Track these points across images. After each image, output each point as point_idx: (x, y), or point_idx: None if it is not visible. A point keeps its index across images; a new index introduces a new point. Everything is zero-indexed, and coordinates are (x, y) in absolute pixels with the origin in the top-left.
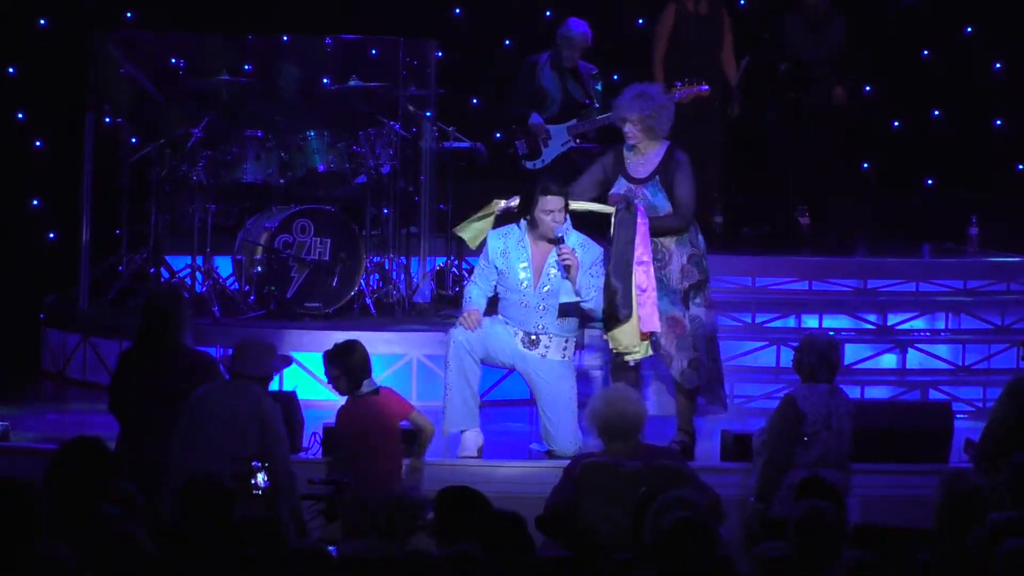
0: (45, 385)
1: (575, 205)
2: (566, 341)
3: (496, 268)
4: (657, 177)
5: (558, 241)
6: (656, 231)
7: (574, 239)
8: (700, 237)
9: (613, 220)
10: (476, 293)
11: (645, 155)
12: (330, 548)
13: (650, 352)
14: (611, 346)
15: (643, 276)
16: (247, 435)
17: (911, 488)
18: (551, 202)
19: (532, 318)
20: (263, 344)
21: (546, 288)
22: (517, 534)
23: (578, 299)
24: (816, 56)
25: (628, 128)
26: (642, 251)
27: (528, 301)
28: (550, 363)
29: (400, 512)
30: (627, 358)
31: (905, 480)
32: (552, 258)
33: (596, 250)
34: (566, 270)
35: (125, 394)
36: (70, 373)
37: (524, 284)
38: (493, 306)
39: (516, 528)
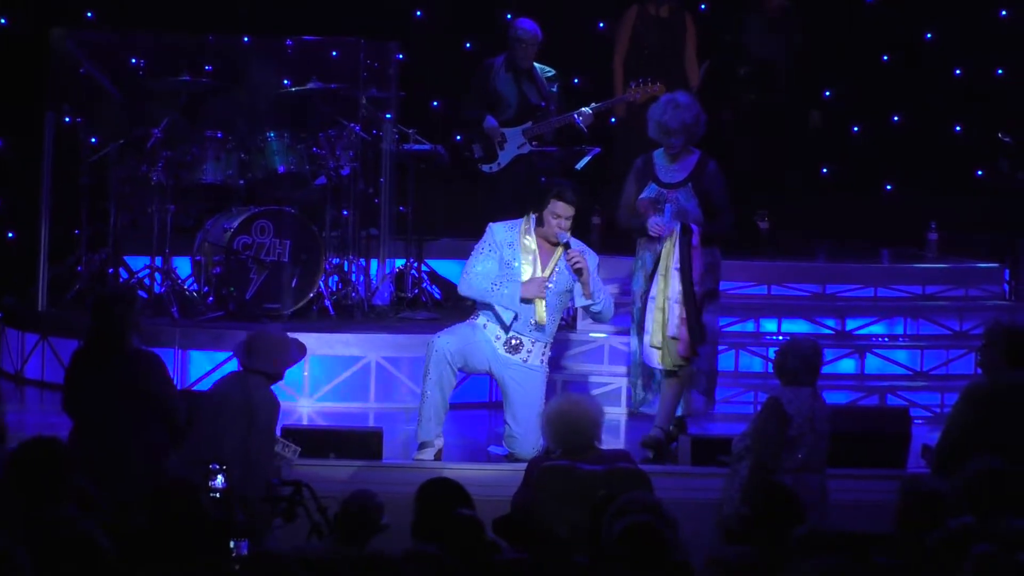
0: (3, 385)
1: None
2: (545, 346)
3: (502, 257)
4: (690, 184)
5: (566, 245)
6: (709, 239)
7: (574, 247)
8: (716, 247)
9: (671, 246)
10: (478, 279)
11: (680, 162)
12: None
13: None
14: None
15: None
16: (236, 426)
17: (869, 493)
18: (562, 208)
19: (527, 313)
20: (274, 338)
21: (548, 285)
22: (476, 537)
23: (589, 303)
24: (774, 56)
25: (674, 140)
26: (694, 275)
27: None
28: (529, 368)
29: (361, 515)
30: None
31: (863, 485)
32: (556, 256)
33: (595, 257)
34: (577, 274)
35: (77, 393)
36: (28, 373)
37: (527, 277)
38: (468, 311)
39: (475, 531)
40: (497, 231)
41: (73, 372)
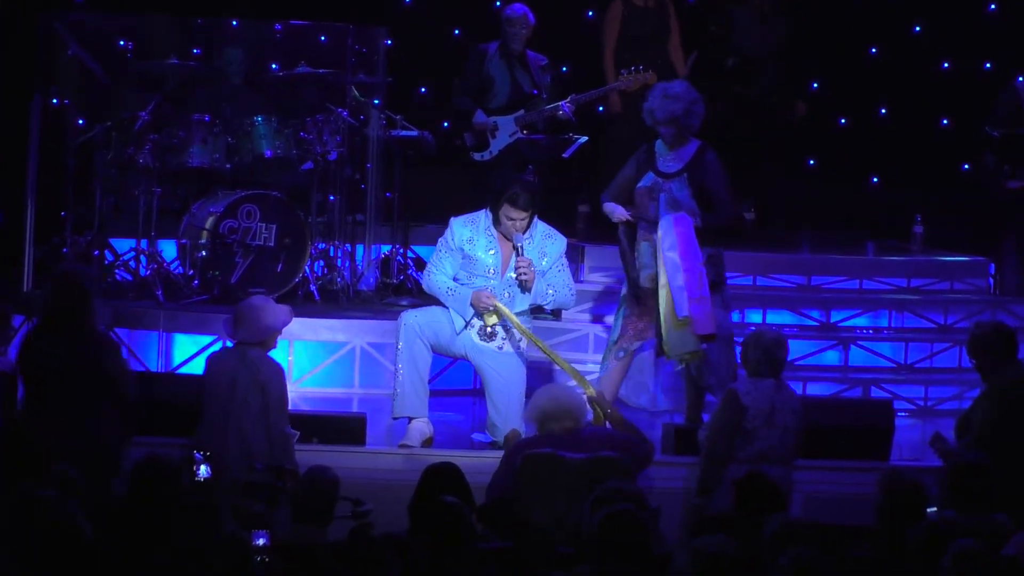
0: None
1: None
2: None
3: (463, 253)
4: (686, 174)
5: (518, 251)
6: (708, 229)
7: (540, 230)
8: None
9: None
10: (442, 278)
11: (677, 151)
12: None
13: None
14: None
15: (693, 283)
16: (249, 402)
17: (851, 485)
18: (515, 212)
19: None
20: (257, 307)
21: (512, 275)
22: (459, 524)
23: (537, 303)
24: (761, 49)
25: (663, 130)
26: (686, 255)
27: (493, 289)
28: (506, 356)
29: (318, 494)
30: (679, 360)
31: (845, 477)
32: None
33: (562, 241)
34: (521, 284)
35: (30, 370)
36: (12, 354)
37: (491, 271)
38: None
39: (456, 518)
40: (456, 227)
41: (28, 348)
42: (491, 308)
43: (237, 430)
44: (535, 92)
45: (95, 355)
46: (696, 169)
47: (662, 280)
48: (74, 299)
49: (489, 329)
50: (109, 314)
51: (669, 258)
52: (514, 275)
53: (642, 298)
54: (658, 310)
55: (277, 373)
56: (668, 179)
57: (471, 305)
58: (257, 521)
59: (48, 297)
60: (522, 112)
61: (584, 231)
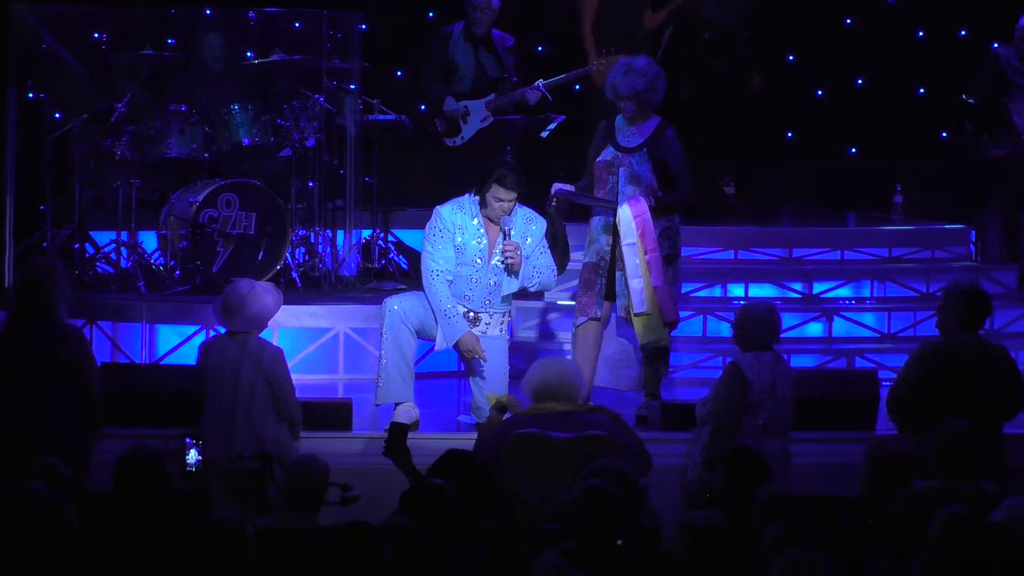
0: None
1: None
2: (504, 316)
3: (454, 241)
4: (645, 149)
5: (506, 234)
6: (664, 209)
7: (521, 214)
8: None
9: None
10: (441, 284)
11: (637, 126)
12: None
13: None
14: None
15: (656, 269)
16: (256, 390)
17: (837, 456)
18: (503, 193)
19: (481, 294)
20: (244, 293)
21: (498, 262)
22: (444, 505)
23: (523, 287)
24: (725, 21)
25: (624, 105)
26: (647, 243)
27: (480, 277)
28: (489, 339)
29: (308, 481)
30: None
31: (831, 448)
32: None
33: (542, 223)
34: (507, 269)
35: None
36: None
37: (478, 259)
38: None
39: (444, 501)
40: (445, 214)
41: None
42: (478, 353)
43: (245, 419)
44: (505, 75)
45: (63, 347)
46: (656, 144)
47: (625, 272)
48: (40, 292)
49: (472, 315)
50: (92, 307)
51: (628, 253)
52: (499, 260)
53: (583, 272)
54: (604, 287)
55: (279, 357)
56: (628, 153)
57: (457, 341)
58: (249, 508)
59: (15, 291)
60: (493, 96)
61: (563, 211)
